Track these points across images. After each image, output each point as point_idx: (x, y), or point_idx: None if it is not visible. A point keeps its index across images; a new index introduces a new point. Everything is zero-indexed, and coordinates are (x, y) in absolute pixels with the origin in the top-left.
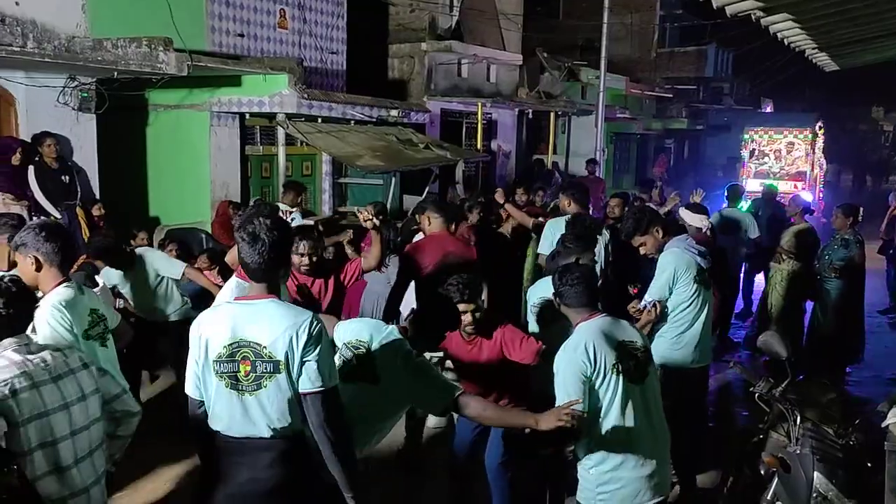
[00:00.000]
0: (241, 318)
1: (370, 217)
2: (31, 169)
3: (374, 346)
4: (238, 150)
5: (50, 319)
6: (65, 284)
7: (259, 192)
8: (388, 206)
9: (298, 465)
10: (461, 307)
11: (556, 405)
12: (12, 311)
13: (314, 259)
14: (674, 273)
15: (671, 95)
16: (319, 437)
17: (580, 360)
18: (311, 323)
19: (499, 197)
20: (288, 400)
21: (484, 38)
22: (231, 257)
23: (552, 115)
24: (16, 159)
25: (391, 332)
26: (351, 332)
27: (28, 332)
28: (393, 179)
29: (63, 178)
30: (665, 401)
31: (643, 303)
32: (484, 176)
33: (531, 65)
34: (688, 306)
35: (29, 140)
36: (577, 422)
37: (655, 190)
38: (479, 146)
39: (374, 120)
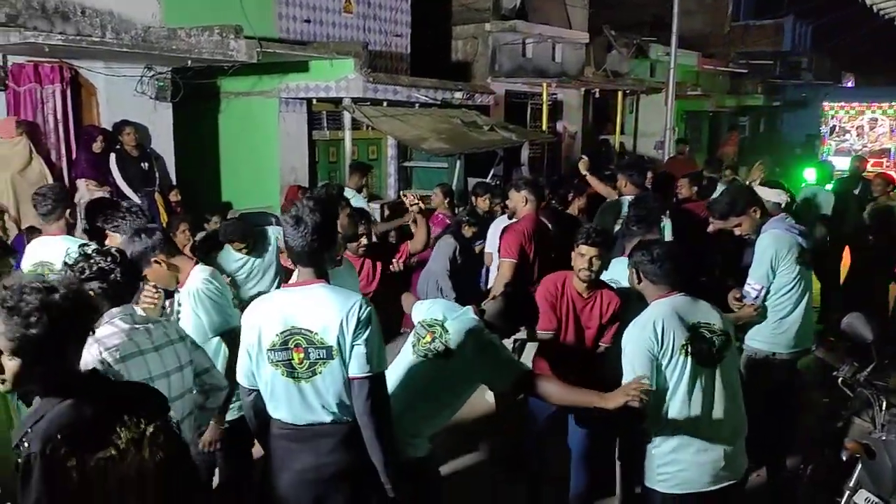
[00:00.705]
0: (291, 306)
1: (416, 201)
2: (112, 156)
3: (448, 323)
4: (306, 136)
5: (208, 292)
6: (200, 264)
7: (326, 177)
8: (454, 188)
9: (361, 450)
10: (583, 249)
11: (623, 382)
12: (124, 279)
13: (371, 240)
14: (774, 255)
15: (746, 71)
16: (362, 423)
17: (647, 337)
18: (361, 307)
19: (583, 166)
20: (343, 385)
21: (549, 17)
22: None
23: (619, 94)
24: (98, 147)
25: (466, 311)
26: (427, 312)
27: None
28: (458, 162)
29: (142, 164)
30: (760, 386)
31: (750, 292)
32: (549, 158)
33: (598, 43)
34: (790, 289)
35: (110, 128)
36: (646, 399)
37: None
38: (544, 127)
39: (439, 102)
